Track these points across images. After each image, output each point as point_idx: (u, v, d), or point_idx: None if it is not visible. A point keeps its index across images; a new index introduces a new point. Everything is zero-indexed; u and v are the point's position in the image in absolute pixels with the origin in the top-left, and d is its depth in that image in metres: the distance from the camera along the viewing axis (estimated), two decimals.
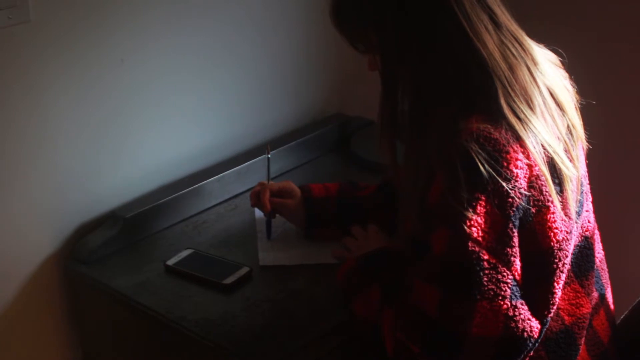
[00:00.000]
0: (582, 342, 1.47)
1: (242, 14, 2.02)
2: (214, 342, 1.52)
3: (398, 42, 1.41)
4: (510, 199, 1.31)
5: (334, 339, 1.57)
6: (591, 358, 1.49)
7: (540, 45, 1.50)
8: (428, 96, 1.40)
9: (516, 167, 1.32)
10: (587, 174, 1.52)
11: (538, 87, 1.40)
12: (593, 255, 1.50)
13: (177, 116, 1.95)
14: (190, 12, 1.90)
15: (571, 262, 1.44)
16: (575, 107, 1.49)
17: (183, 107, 1.96)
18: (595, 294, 1.52)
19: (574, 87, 1.51)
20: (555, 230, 1.36)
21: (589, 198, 1.52)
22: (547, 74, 1.44)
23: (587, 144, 1.51)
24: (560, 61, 1.54)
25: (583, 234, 1.48)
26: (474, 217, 1.29)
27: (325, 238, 1.77)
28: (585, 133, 1.50)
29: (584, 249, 1.48)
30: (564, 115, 1.44)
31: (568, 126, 1.44)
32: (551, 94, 1.43)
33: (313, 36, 2.18)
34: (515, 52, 1.39)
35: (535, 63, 1.42)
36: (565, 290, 1.44)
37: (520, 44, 1.41)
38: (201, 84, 1.98)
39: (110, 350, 1.82)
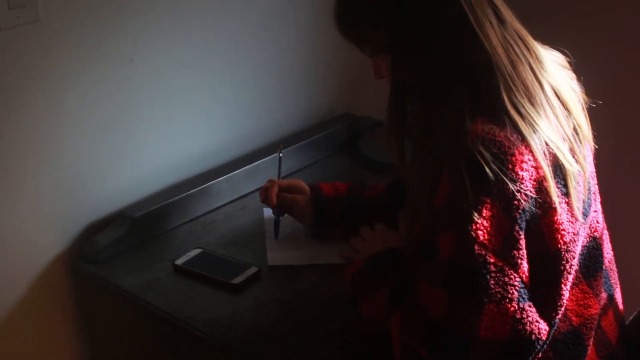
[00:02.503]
0: (591, 342, 1.46)
1: (251, 12, 2.02)
2: (220, 342, 1.53)
3: (403, 36, 1.40)
4: (516, 202, 1.30)
5: (338, 339, 1.57)
6: (599, 359, 1.49)
7: (546, 47, 1.49)
8: (433, 93, 1.39)
9: (522, 169, 1.31)
10: (595, 174, 1.51)
11: (541, 85, 1.39)
12: (602, 256, 1.49)
13: (185, 116, 1.95)
14: (198, 11, 1.90)
15: (579, 262, 1.43)
16: (582, 108, 1.48)
17: (192, 106, 1.96)
18: (603, 295, 1.51)
19: (581, 88, 1.51)
20: (563, 232, 1.36)
21: (597, 198, 1.51)
22: (552, 73, 1.43)
23: (594, 144, 1.50)
24: (568, 61, 1.53)
25: (591, 235, 1.47)
26: (480, 220, 1.29)
27: (333, 237, 1.78)
28: (593, 133, 1.49)
29: (593, 250, 1.47)
30: (569, 116, 1.43)
31: (574, 127, 1.43)
32: (556, 94, 1.41)
33: (322, 36, 2.17)
34: (518, 50, 1.38)
35: (539, 62, 1.41)
36: (573, 290, 1.43)
37: (524, 42, 1.40)
38: (209, 83, 1.99)
39: (117, 349, 1.82)
